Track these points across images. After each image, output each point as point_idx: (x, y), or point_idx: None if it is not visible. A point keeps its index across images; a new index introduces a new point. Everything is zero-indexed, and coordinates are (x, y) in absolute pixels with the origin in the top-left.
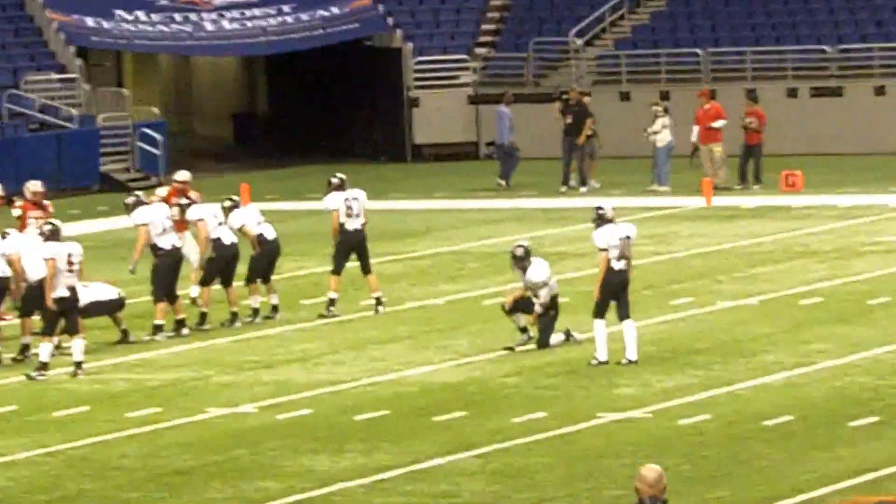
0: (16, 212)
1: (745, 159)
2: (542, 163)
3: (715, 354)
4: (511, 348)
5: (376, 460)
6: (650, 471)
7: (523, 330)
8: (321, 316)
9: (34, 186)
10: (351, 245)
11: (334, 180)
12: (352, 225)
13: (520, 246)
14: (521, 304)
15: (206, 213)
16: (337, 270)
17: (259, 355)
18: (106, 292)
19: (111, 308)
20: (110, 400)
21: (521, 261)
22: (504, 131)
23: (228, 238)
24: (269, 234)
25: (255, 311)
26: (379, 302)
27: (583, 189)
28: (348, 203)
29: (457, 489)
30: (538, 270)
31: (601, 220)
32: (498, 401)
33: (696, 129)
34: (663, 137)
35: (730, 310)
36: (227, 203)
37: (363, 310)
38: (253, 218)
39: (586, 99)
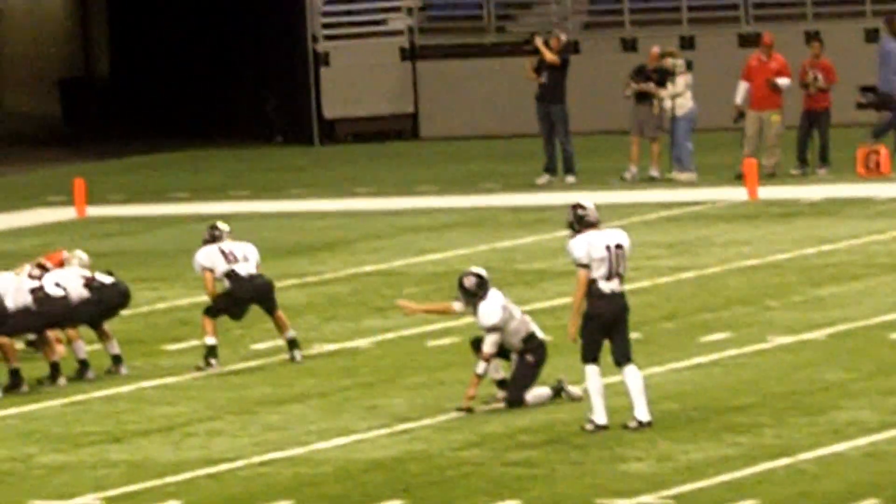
0: None
1: (806, 132)
2: (512, 143)
3: (765, 413)
4: (469, 409)
5: None
6: None
7: (501, 384)
8: (198, 368)
9: None
10: (244, 297)
11: (210, 233)
12: (244, 269)
13: (471, 274)
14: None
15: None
16: (213, 314)
17: (103, 424)
18: None
19: None
20: None
21: (472, 296)
22: (891, 73)
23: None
24: (105, 278)
25: (83, 365)
26: (294, 345)
27: (627, 175)
28: (226, 250)
29: None
30: (486, 310)
31: (581, 223)
32: (451, 485)
33: (743, 86)
34: (685, 102)
35: (786, 348)
36: (35, 270)
37: (251, 357)
38: (74, 281)
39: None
